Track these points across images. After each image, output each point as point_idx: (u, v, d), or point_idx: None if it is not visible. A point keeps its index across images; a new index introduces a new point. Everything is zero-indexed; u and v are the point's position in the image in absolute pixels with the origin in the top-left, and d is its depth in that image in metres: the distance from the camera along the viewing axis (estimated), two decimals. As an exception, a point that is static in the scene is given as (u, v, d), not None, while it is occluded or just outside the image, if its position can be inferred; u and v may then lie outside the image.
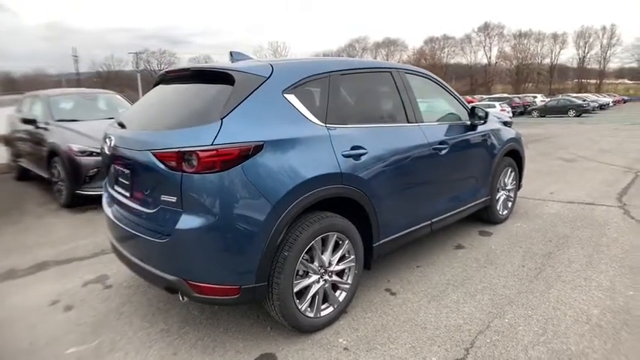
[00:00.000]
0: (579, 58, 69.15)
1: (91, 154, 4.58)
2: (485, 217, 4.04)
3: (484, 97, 36.02)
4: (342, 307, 2.47)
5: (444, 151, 3.06)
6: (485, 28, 71.24)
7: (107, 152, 2.39)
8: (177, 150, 1.87)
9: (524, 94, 37.15)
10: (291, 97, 2.19)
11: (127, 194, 2.28)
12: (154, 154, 1.95)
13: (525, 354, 2.13)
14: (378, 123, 2.69)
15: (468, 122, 3.46)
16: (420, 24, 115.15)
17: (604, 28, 65.19)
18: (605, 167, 7.20)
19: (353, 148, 2.37)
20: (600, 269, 3.10)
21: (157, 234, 2.00)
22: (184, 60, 71.00)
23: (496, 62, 72.71)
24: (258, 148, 1.94)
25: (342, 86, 2.50)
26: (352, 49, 74.71)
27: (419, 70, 3.27)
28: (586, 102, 28.77)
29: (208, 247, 1.91)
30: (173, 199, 1.92)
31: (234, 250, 1.95)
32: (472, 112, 3.46)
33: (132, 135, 2.26)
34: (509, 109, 23.55)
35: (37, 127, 5.29)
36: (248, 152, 1.91)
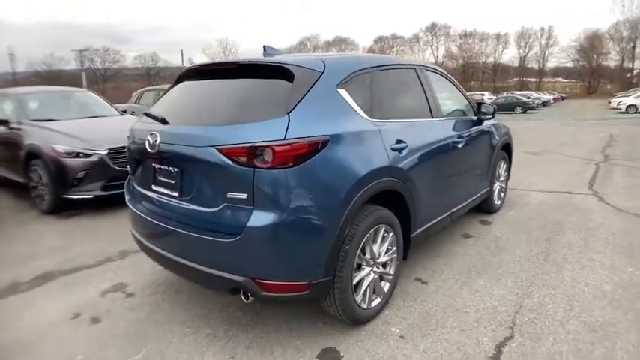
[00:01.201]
0: (520, 58, 74.35)
1: (77, 155, 4.31)
2: (485, 208, 4.34)
3: None
4: (388, 297, 2.59)
5: (460, 145, 3.27)
6: (433, 28, 74.65)
7: (149, 150, 2.27)
8: (249, 145, 1.87)
9: (473, 92, 39.32)
10: (344, 92, 2.26)
11: (175, 194, 2.23)
12: (220, 150, 1.93)
13: (563, 328, 2.37)
14: (412, 118, 2.83)
15: (475, 117, 3.71)
16: (370, 23, 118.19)
17: (542, 30, 70.58)
18: (567, 159, 7.91)
19: (397, 142, 2.49)
20: (597, 250, 3.47)
21: (220, 234, 1.98)
22: (130, 58, 67.54)
23: (443, 61, 76.31)
24: (325, 143, 1.99)
25: (381, 82, 2.60)
26: (303, 47, 75.03)
27: (435, 67, 3.46)
28: (530, 99, 31.11)
29: (280, 244, 1.94)
30: (243, 196, 1.91)
31: (305, 245, 1.99)
32: (479, 108, 3.72)
33: (185, 131, 2.18)
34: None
35: (10, 128, 4.88)
36: (317, 147, 1.96)
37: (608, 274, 3.04)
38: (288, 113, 1.96)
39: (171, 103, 2.60)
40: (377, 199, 2.37)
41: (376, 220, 2.33)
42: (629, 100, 23.39)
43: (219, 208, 2.00)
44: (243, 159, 1.89)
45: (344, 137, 2.11)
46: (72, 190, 4.34)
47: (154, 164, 2.36)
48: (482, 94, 37.80)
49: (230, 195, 1.95)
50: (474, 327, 2.41)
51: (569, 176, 6.39)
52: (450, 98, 3.49)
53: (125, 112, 6.12)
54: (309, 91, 2.07)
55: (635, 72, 59.45)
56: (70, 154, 4.29)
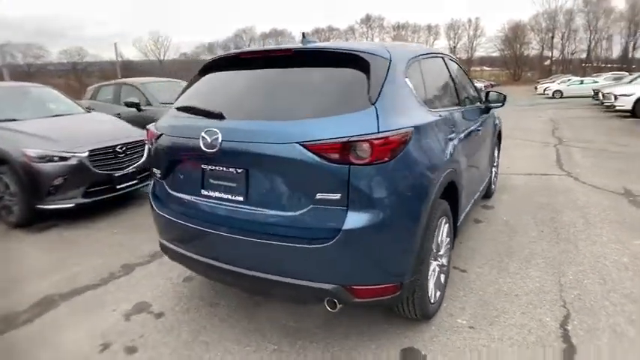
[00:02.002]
0: (450, 48, 78.74)
1: (52, 159, 3.77)
2: (485, 193, 4.52)
3: None
4: (444, 289, 2.60)
5: (480, 132, 3.37)
6: (367, 20, 76.55)
7: (204, 149, 2.01)
8: (345, 140, 1.74)
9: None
10: (408, 81, 2.20)
11: (239, 198, 2.01)
12: (308, 147, 1.77)
13: (609, 301, 2.55)
14: (450, 106, 2.84)
15: (483, 105, 3.83)
16: (306, 15, 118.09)
17: (470, 21, 75.37)
18: (528, 143, 8.53)
19: (451, 131, 2.48)
20: (598, 226, 3.78)
21: (304, 239, 1.83)
22: (54, 54, 60.73)
23: (379, 52, 78.71)
24: (410, 135, 1.92)
25: (426, 70, 2.57)
26: (239, 40, 73.25)
27: (452, 55, 3.51)
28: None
29: (377, 246, 1.84)
30: (336, 197, 1.78)
31: (400, 245, 1.92)
32: (487, 96, 3.84)
33: (258, 126, 1.94)
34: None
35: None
36: (406, 140, 1.88)
37: (619, 247, 3.32)
38: (373, 104, 1.85)
39: (211, 95, 2.33)
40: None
41: (442, 213, 2.31)
42: (554, 86, 25.81)
43: (304, 211, 1.84)
44: (336, 155, 1.75)
45: (422, 129, 2.05)
46: (48, 198, 3.81)
47: (203, 165, 2.10)
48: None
49: (320, 196, 1.79)
50: (531, 309, 2.50)
51: (537, 159, 6.89)
52: (465, 86, 3.56)
53: (89, 109, 5.48)
54: (385, 80, 1.97)
55: (553, 60, 65.64)
56: (43, 158, 3.74)
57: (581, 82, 25.24)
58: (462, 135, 2.79)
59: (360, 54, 2.01)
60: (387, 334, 2.30)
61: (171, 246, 2.34)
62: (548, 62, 66.12)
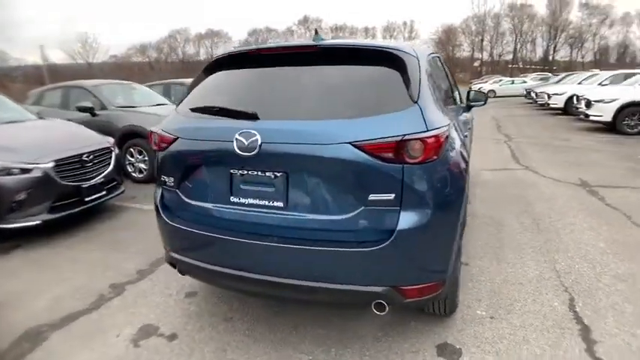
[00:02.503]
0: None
1: (11, 172, 3.35)
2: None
3: None
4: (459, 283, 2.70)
5: (470, 130, 3.56)
6: (305, 22, 77.26)
7: (240, 152, 1.89)
8: (399, 138, 1.75)
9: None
10: (430, 80, 2.26)
11: (278, 203, 1.93)
12: (360, 147, 1.76)
13: (602, 283, 2.81)
14: (451, 105, 2.96)
15: (465, 104, 4.05)
16: (243, 15, 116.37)
17: (405, 24, 78.91)
18: (480, 140, 9.08)
19: (461, 129, 2.60)
20: (570, 215, 4.14)
21: (354, 243, 1.82)
22: None
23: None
24: (448, 133, 1.98)
25: (433, 69, 2.66)
26: (174, 41, 70.52)
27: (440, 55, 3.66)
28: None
29: (428, 244, 1.87)
30: (390, 197, 1.78)
31: (445, 242, 1.95)
32: (468, 95, 4.06)
33: (303, 127, 1.87)
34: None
35: None
36: (447, 137, 1.93)
37: (593, 234, 3.67)
38: (416, 102, 1.88)
39: (232, 95, 2.20)
40: None
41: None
42: (487, 86, 27.82)
43: (354, 213, 1.82)
44: (390, 155, 1.75)
45: (452, 126, 2.13)
46: (10, 216, 3.38)
47: (233, 170, 2.00)
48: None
49: (373, 197, 1.78)
50: (539, 295, 2.68)
51: (493, 154, 7.40)
52: (453, 85, 3.74)
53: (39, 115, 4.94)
54: (420, 78, 2.01)
55: (482, 61, 70.56)
56: (2, 171, 3.32)
57: (513, 82, 27.49)
58: (465, 133, 2.92)
59: (393, 51, 2.03)
60: (415, 333, 2.34)
61: (187, 259, 2.18)
62: (477, 64, 70.99)
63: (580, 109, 10.34)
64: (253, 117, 1.94)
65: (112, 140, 4.57)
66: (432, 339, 2.28)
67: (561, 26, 63.46)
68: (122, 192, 4.57)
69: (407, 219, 1.79)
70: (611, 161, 6.73)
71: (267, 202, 1.95)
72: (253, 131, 1.88)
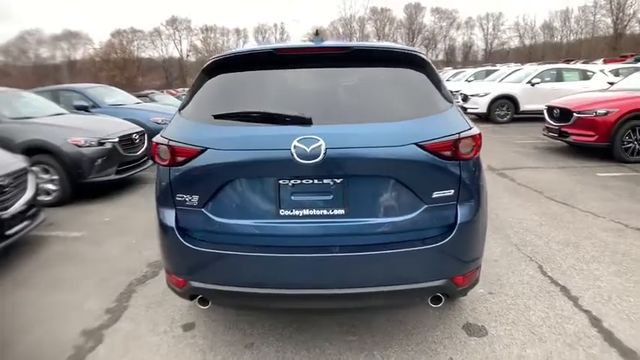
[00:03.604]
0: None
1: None
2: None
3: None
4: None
5: None
6: (174, 22, 73.52)
7: (300, 161, 1.79)
8: (457, 136, 1.87)
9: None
10: None
11: (339, 211, 1.88)
12: (424, 146, 1.84)
13: (553, 249, 3.39)
14: None
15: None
16: (104, 16, 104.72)
17: (276, 25, 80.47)
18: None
19: None
20: (497, 196, 4.82)
21: (418, 241, 1.90)
22: None
23: (188, 55, 76.74)
24: None
25: None
26: (24, 42, 60.11)
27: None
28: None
29: (476, 234, 2.03)
30: (450, 193, 1.90)
31: (484, 230, 2.13)
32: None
33: (370, 130, 1.85)
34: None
35: None
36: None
37: (524, 210, 4.37)
38: (451, 103, 2.05)
39: (264, 98, 2.05)
40: None
41: None
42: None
43: (418, 212, 1.89)
44: (449, 152, 1.87)
45: None
46: None
47: (283, 181, 1.88)
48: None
49: (436, 194, 1.88)
50: (515, 267, 3.11)
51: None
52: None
53: None
54: (442, 80, 2.18)
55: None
56: None
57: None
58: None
59: (418, 54, 2.14)
60: (438, 320, 2.50)
61: (221, 287, 1.97)
62: None
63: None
64: (308, 122, 1.87)
65: (25, 159, 3.83)
66: (455, 322, 2.48)
67: (417, 29, 71.85)
68: (44, 220, 3.85)
69: (464, 212, 1.95)
70: (498, 147, 7.96)
71: (325, 212, 1.90)
72: (316, 137, 1.81)
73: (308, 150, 1.80)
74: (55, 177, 5.03)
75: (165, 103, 9.92)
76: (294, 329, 2.46)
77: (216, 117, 1.96)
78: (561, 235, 3.66)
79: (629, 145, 6.22)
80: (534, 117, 10.94)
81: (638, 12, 47.92)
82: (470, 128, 1.96)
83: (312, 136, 1.82)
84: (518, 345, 2.24)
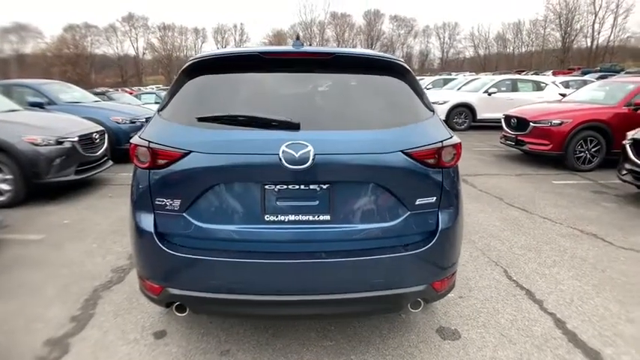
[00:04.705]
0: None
1: None
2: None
3: (147, 88, 35.79)
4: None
5: None
6: (130, 19, 71.11)
7: (287, 165, 1.78)
8: (440, 145, 1.93)
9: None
10: None
11: (324, 217, 1.88)
12: (411, 154, 1.87)
13: (516, 253, 3.55)
14: None
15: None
16: (56, 9, 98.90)
17: (235, 26, 79.53)
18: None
19: None
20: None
21: (400, 247, 1.94)
22: None
23: (144, 53, 74.59)
24: None
25: None
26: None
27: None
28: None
29: (455, 239, 2.09)
30: (432, 200, 1.95)
31: (461, 235, 2.18)
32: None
33: (358, 137, 1.87)
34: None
35: None
36: None
37: (486, 215, 4.55)
38: (433, 112, 2.11)
39: (245, 101, 2.02)
40: None
41: None
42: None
43: (402, 218, 1.93)
44: (432, 160, 1.93)
45: None
46: None
47: (268, 186, 1.86)
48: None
49: (420, 201, 1.92)
50: (482, 271, 3.24)
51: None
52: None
53: None
54: (423, 89, 2.23)
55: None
56: None
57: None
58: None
59: (400, 63, 2.16)
60: (411, 325, 2.55)
61: (203, 294, 1.91)
62: None
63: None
64: (296, 127, 1.85)
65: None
66: (429, 326, 2.54)
67: (376, 35, 73.37)
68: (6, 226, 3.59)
69: (444, 218, 2.00)
70: (461, 155, 8.24)
71: (310, 217, 1.89)
72: (305, 142, 1.80)
73: (297, 155, 1.79)
74: (9, 176, 4.69)
75: (123, 102, 9.53)
76: (270, 335, 2.43)
77: (200, 120, 1.91)
78: (523, 241, 3.84)
79: (581, 155, 6.64)
80: (491, 125, 11.46)
81: (584, 27, 51.28)
82: (451, 137, 2.02)
83: (301, 142, 1.81)
84: (490, 347, 2.33)
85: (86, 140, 5.27)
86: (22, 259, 3.47)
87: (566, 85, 13.83)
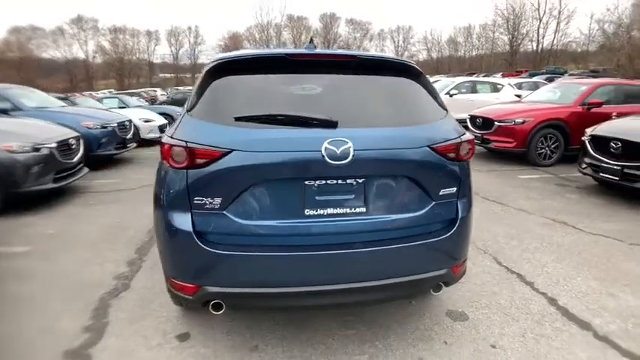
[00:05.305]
0: (173, 55, 79.55)
1: None
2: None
3: (99, 92, 34.18)
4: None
5: None
6: (79, 21, 67.81)
7: (330, 161, 1.91)
8: (459, 140, 2.16)
9: (148, 89, 39.10)
10: None
11: (360, 209, 2.04)
12: (435, 149, 2.08)
13: (500, 242, 3.86)
14: None
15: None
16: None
17: (190, 28, 77.77)
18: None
19: None
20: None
21: (428, 234, 2.14)
22: None
23: (94, 57, 71.43)
24: None
25: None
26: None
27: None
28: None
29: (470, 226, 2.32)
30: (452, 190, 2.17)
31: (472, 222, 2.39)
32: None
33: (392, 133, 2.05)
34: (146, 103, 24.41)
35: None
36: None
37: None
38: (446, 111, 2.32)
39: (278, 101, 2.12)
40: None
41: None
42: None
43: (428, 208, 2.12)
44: (453, 154, 2.15)
45: None
46: None
47: (309, 182, 1.98)
48: (155, 91, 38.06)
49: (443, 192, 2.13)
50: (475, 259, 3.50)
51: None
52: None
53: None
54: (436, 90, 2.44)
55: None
56: None
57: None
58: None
59: (414, 65, 2.37)
60: (422, 310, 2.75)
61: (243, 290, 2.01)
62: None
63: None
64: (333, 125, 1.99)
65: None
66: (439, 310, 2.75)
67: (333, 38, 74.38)
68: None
69: (462, 207, 2.24)
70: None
71: (347, 210, 2.03)
72: (345, 139, 1.94)
73: (338, 151, 1.93)
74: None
75: (88, 106, 9.17)
76: (294, 328, 2.54)
77: (238, 119, 1.99)
78: (504, 230, 4.17)
79: (542, 151, 7.20)
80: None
81: (530, 32, 54.69)
82: (464, 133, 2.25)
83: (342, 139, 1.95)
84: (497, 325, 2.57)
85: (63, 146, 5.10)
86: (13, 272, 3.34)
87: (519, 86, 14.78)
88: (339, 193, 2.03)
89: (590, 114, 6.97)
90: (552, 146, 7.19)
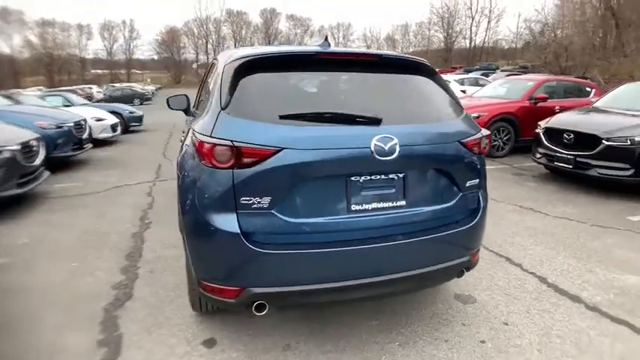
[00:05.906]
0: (107, 50, 74.72)
1: None
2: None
3: (27, 90, 31.45)
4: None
5: None
6: (3, 13, 61.57)
7: (378, 157, 1.99)
8: (480, 136, 2.33)
9: (83, 86, 36.46)
10: None
11: (400, 202, 2.12)
12: (465, 144, 2.23)
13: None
14: None
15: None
16: None
17: (124, 23, 73.48)
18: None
19: None
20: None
21: (456, 224, 2.27)
22: None
23: (21, 51, 65.40)
24: None
25: None
26: None
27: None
28: (146, 90, 33.05)
29: (487, 215, 2.47)
30: (476, 182, 2.33)
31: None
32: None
33: (429, 129, 2.17)
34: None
35: None
36: None
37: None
38: (463, 107, 2.46)
39: (321, 99, 2.21)
40: None
41: None
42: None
43: (457, 199, 2.26)
44: (477, 149, 2.32)
45: None
46: None
47: (355, 177, 2.02)
48: (90, 88, 35.63)
49: (469, 183, 2.28)
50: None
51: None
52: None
53: None
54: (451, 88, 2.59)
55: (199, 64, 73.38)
56: None
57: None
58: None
59: (430, 65, 2.50)
60: (432, 296, 2.91)
61: (287, 288, 2.01)
62: (195, 66, 74.07)
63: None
64: (377, 122, 2.06)
65: None
66: (448, 295, 2.92)
67: (273, 34, 73.84)
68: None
69: (483, 197, 2.42)
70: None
71: (390, 204, 2.11)
72: (391, 136, 2.02)
73: (386, 148, 2.00)
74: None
75: (35, 104, 8.38)
76: (319, 324, 2.57)
77: (282, 117, 1.99)
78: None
79: (496, 143, 7.73)
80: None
81: (464, 30, 57.88)
82: (482, 129, 2.41)
83: (388, 135, 2.02)
84: (503, 305, 2.78)
85: (25, 149, 4.68)
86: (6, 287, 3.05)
87: (462, 82, 15.66)
88: (381, 188, 2.10)
89: (536, 108, 7.60)
90: (505, 138, 7.74)
